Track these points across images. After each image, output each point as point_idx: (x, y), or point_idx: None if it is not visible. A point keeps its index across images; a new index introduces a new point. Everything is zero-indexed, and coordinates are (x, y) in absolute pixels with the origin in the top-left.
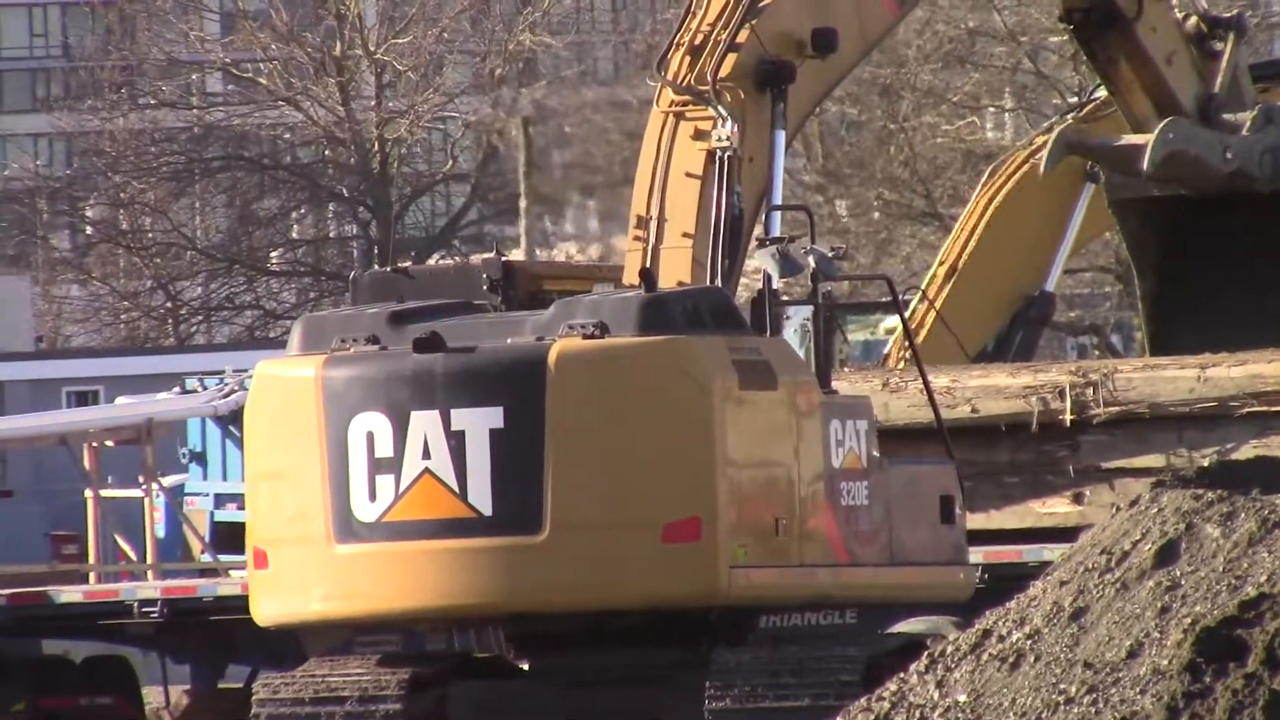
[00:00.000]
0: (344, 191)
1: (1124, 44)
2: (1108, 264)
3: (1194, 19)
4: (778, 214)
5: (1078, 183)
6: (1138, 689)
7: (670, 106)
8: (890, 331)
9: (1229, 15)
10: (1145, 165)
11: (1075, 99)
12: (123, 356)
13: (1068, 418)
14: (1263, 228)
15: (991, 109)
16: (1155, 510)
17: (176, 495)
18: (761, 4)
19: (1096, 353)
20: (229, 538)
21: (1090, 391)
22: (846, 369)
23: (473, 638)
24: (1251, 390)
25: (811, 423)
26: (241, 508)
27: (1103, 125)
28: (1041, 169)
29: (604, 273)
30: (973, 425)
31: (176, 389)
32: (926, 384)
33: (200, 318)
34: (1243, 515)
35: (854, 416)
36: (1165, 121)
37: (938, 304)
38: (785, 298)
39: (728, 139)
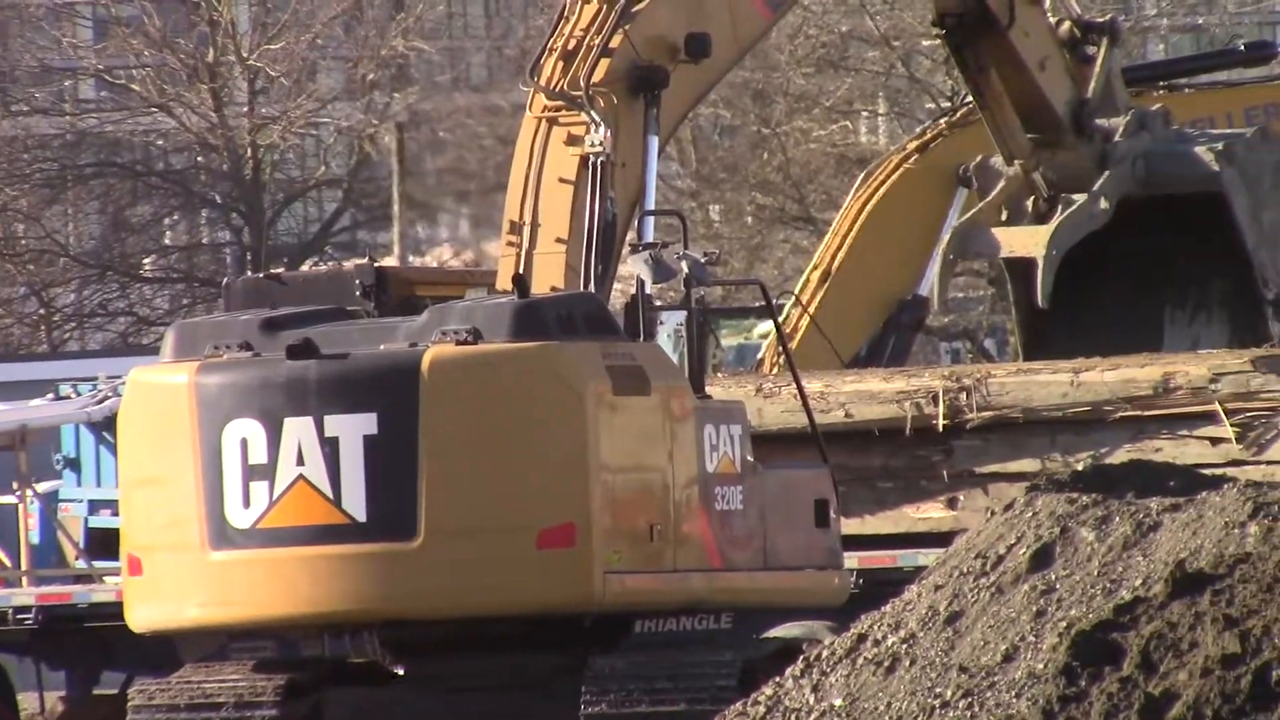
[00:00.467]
0: (217, 198)
1: (996, 50)
2: (981, 268)
3: (1067, 24)
4: (651, 219)
5: (950, 187)
6: (1013, 693)
7: (543, 112)
8: (764, 336)
9: (1102, 20)
10: (1041, 301)
11: (948, 104)
12: None
13: (941, 422)
14: (1136, 232)
15: (865, 113)
16: (1030, 514)
17: (51, 501)
18: (635, 9)
19: (970, 357)
20: (104, 544)
21: (964, 396)
22: (720, 374)
23: (348, 643)
24: (1125, 395)
25: (685, 428)
26: (116, 514)
27: (975, 133)
28: (938, 266)
29: (477, 278)
30: (847, 430)
31: (50, 395)
32: (800, 389)
33: (73, 324)
34: (1117, 519)
35: (728, 421)
36: (1049, 239)
37: (811, 309)
38: (658, 303)
39: (601, 144)
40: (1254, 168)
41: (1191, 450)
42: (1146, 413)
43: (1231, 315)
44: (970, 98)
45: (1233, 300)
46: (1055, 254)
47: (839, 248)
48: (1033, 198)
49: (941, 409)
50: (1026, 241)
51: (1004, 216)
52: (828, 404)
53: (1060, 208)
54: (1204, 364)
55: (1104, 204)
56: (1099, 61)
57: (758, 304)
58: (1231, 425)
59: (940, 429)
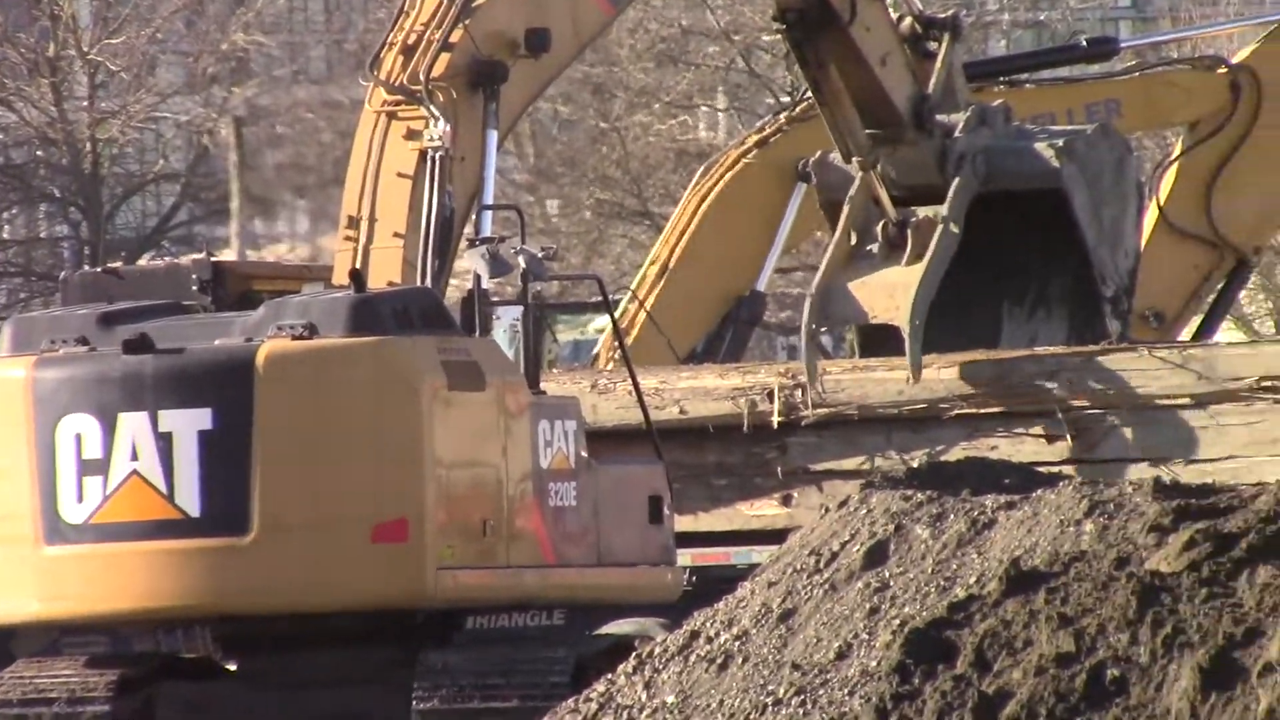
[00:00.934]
0: (56, 192)
1: (837, 45)
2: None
3: (909, 20)
4: (489, 214)
5: (789, 182)
6: (846, 690)
7: (382, 106)
8: (600, 332)
9: (944, 15)
10: (913, 378)
11: (788, 99)
12: None
13: (776, 419)
14: (974, 227)
15: (704, 108)
16: (864, 511)
17: None
18: (475, 4)
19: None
20: None
21: (799, 393)
22: (555, 370)
23: (180, 639)
24: (961, 392)
25: (520, 423)
26: None
27: (814, 129)
28: (804, 340)
29: (314, 273)
30: (681, 427)
31: None
32: (635, 385)
33: None
34: (952, 516)
35: (562, 417)
36: (911, 310)
37: (648, 304)
38: (495, 298)
39: (440, 139)
40: (1094, 164)
41: (1027, 448)
42: (982, 410)
43: (1070, 312)
44: (810, 93)
45: (1071, 297)
46: (919, 324)
47: (677, 243)
48: (882, 223)
49: (777, 406)
50: (888, 306)
51: (854, 241)
52: (663, 400)
53: (910, 236)
54: (1041, 361)
55: (955, 229)
56: (940, 57)
57: (594, 299)
58: (1068, 423)
59: (775, 426)
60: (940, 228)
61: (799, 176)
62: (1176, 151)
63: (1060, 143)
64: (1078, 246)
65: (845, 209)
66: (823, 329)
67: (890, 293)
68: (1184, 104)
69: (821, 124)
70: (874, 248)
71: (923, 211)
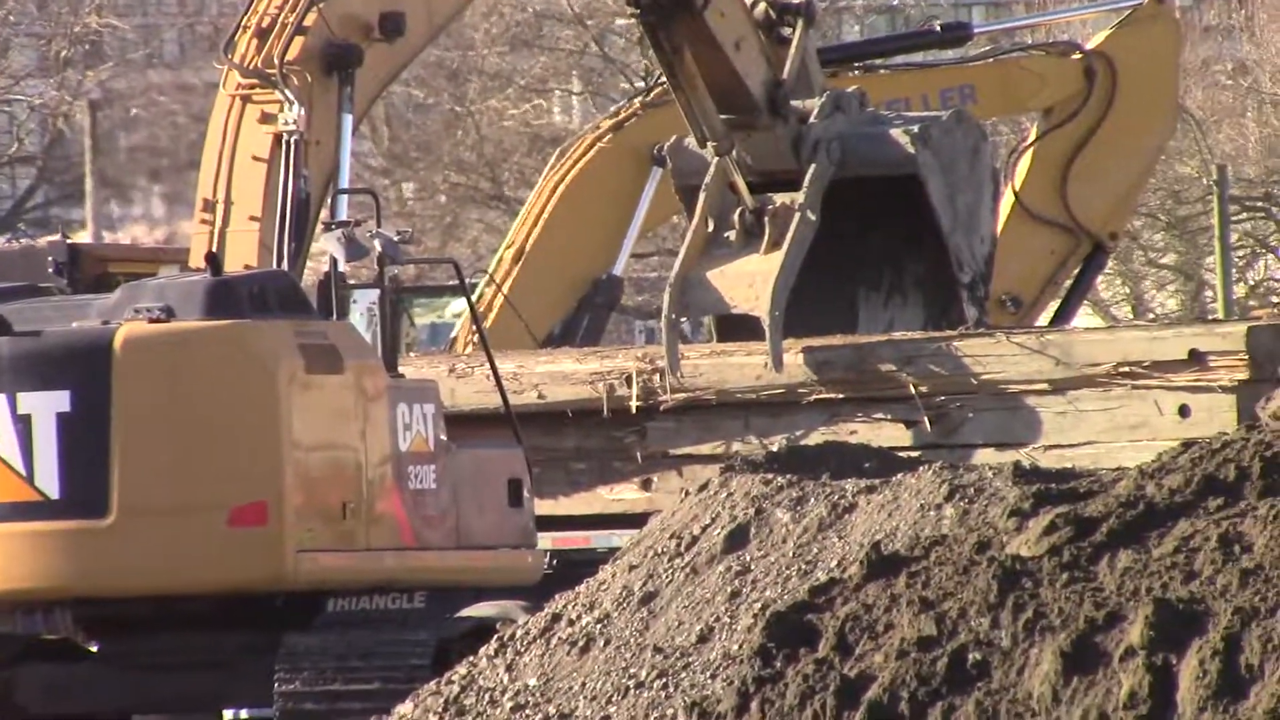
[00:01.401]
0: None
1: (691, 30)
2: (675, 247)
3: (763, 5)
4: (344, 198)
5: (644, 167)
6: (708, 673)
7: (237, 90)
8: (457, 316)
9: (798, 1)
10: (775, 367)
11: (642, 83)
12: None
13: (634, 404)
14: (832, 216)
15: (559, 92)
16: (725, 495)
17: None
18: None
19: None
20: None
21: (658, 378)
22: (413, 353)
23: (40, 621)
24: (819, 377)
25: (378, 407)
26: None
27: (669, 113)
28: (664, 330)
29: (169, 255)
30: (540, 411)
31: None
32: (494, 369)
33: None
34: (813, 500)
35: (421, 400)
36: (771, 299)
37: (505, 288)
38: (351, 281)
39: (294, 123)
40: (949, 151)
41: (886, 433)
42: (841, 395)
43: (926, 299)
44: (664, 78)
45: (927, 283)
46: (779, 315)
47: (532, 227)
48: (739, 210)
49: (635, 390)
50: (748, 295)
51: (711, 227)
52: (521, 385)
53: (767, 223)
54: (898, 347)
55: (812, 216)
56: (794, 43)
57: (451, 283)
58: (926, 409)
59: (634, 410)
60: (797, 215)
61: (654, 161)
62: (1031, 137)
63: (915, 129)
64: (933, 233)
65: (701, 196)
66: (682, 319)
67: (749, 282)
68: (1038, 89)
69: (676, 108)
70: (731, 235)
71: (779, 198)
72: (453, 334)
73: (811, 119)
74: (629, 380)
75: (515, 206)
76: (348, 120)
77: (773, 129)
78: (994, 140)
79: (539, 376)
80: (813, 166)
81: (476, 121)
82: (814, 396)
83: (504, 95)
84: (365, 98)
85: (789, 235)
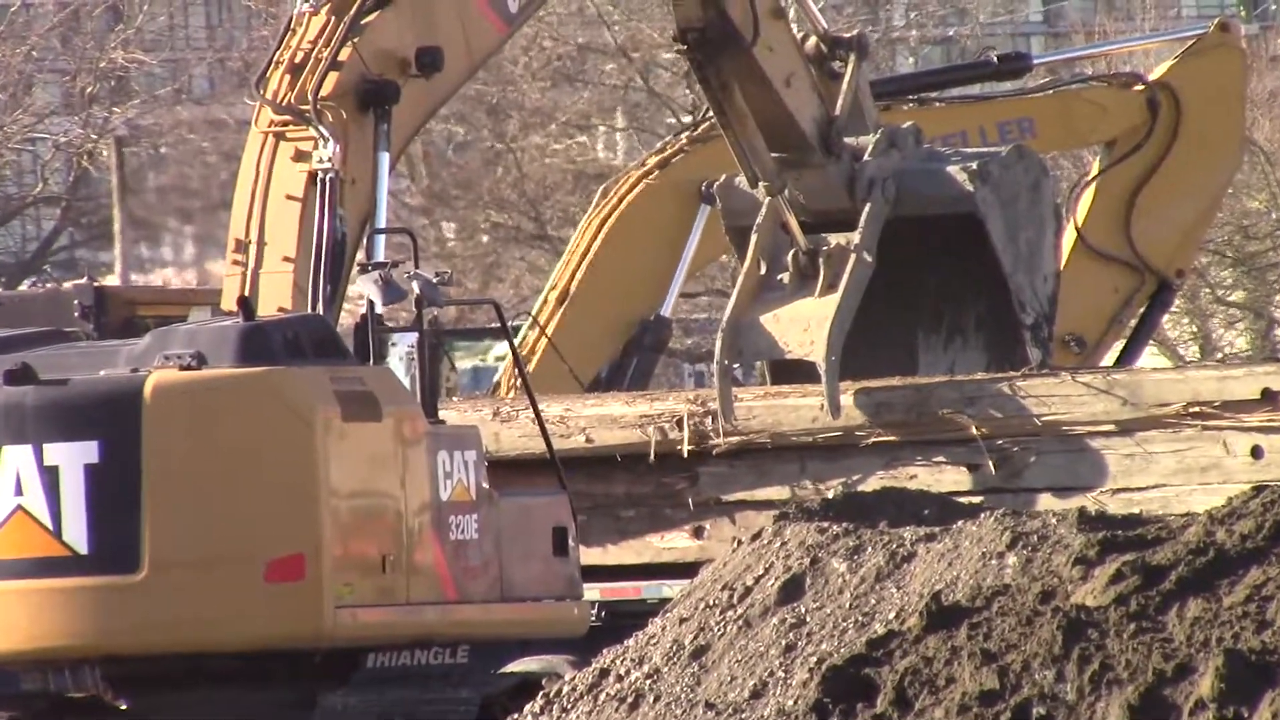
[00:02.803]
0: None
1: (740, 66)
2: (725, 287)
3: (814, 39)
4: (381, 238)
5: (693, 204)
6: None
7: (270, 126)
8: (500, 359)
9: (850, 35)
10: (832, 414)
11: (689, 118)
12: None
13: (685, 448)
14: (889, 255)
15: (603, 128)
16: (778, 544)
17: None
18: (364, 22)
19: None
20: None
21: (709, 421)
22: (455, 398)
23: (69, 678)
24: (877, 419)
25: (418, 454)
26: None
27: (717, 149)
28: (716, 376)
29: (199, 297)
30: (588, 456)
31: None
32: (537, 413)
33: None
34: (870, 549)
35: (462, 447)
36: (827, 344)
37: (549, 330)
38: (389, 325)
39: (329, 160)
40: (1010, 187)
41: (947, 478)
42: (899, 438)
43: (988, 340)
44: (712, 113)
45: (989, 324)
46: (835, 360)
47: (577, 267)
48: (792, 252)
49: (686, 434)
50: (803, 339)
51: (763, 270)
52: (568, 429)
53: (822, 265)
54: (960, 388)
55: (868, 257)
56: (847, 78)
57: (493, 325)
58: (989, 452)
59: (685, 455)
60: (853, 257)
61: (702, 199)
62: (1094, 171)
63: (974, 165)
64: (994, 272)
65: (753, 238)
66: (735, 364)
67: (804, 326)
68: (1100, 122)
69: (725, 144)
70: (784, 277)
71: (834, 239)
72: (495, 378)
73: (866, 156)
74: (679, 423)
75: (559, 246)
76: (384, 158)
77: (826, 167)
78: (1055, 175)
79: (586, 420)
80: (868, 206)
81: (518, 158)
82: (872, 439)
83: (546, 131)
84: (402, 135)
85: (844, 277)
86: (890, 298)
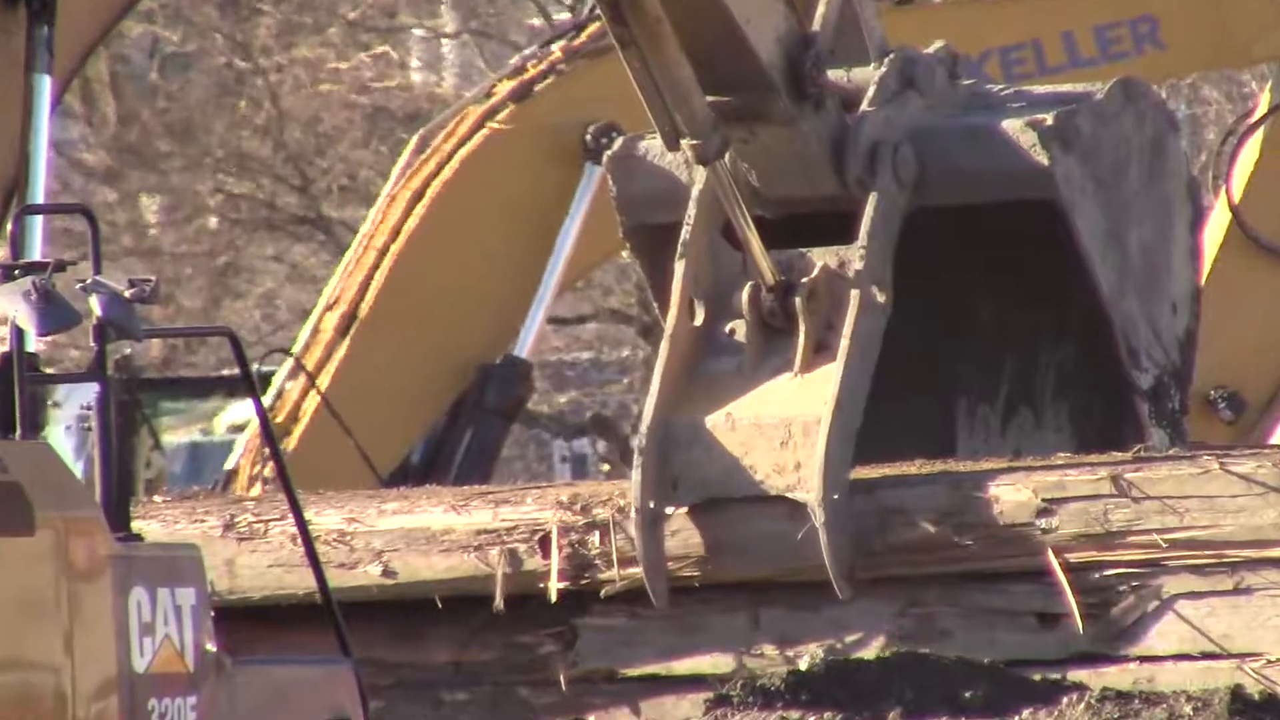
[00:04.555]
0: None
1: None
2: (625, 304)
3: None
4: (38, 220)
5: (569, 163)
6: None
7: None
8: (237, 429)
9: None
10: (841, 594)
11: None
12: None
13: (554, 586)
14: (911, 275)
15: (418, 32)
16: None
17: None
18: None
19: (606, 466)
20: None
21: (596, 539)
22: (160, 497)
23: None
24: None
25: (97, 593)
26: None
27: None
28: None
29: None
30: (389, 600)
31: None
32: (301, 526)
33: None
34: None
35: (173, 582)
36: (823, 482)
37: (324, 381)
38: (50, 370)
39: None
40: (1111, 151)
41: (1005, 635)
42: (922, 567)
43: (1074, 412)
44: (603, 18)
45: (1076, 386)
46: (841, 500)
47: (372, 271)
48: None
49: (556, 562)
50: (782, 462)
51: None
52: (354, 552)
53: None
54: (1029, 481)
55: (879, 294)
56: None
57: (226, 372)
58: (1077, 589)
59: (553, 598)
60: (855, 295)
61: (586, 154)
62: (1260, 109)
63: (1048, 118)
64: (1085, 298)
65: (679, 261)
66: (668, 508)
67: (782, 437)
68: (1272, 26)
69: (622, 63)
70: (736, 329)
71: (817, 259)
72: (229, 463)
73: (865, 104)
74: (543, 544)
75: (341, 236)
76: (43, 83)
77: (797, 123)
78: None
79: (385, 537)
80: (872, 197)
81: (272, 86)
82: (874, 570)
83: (322, 37)
84: (76, 44)
85: (845, 332)
86: (912, 344)
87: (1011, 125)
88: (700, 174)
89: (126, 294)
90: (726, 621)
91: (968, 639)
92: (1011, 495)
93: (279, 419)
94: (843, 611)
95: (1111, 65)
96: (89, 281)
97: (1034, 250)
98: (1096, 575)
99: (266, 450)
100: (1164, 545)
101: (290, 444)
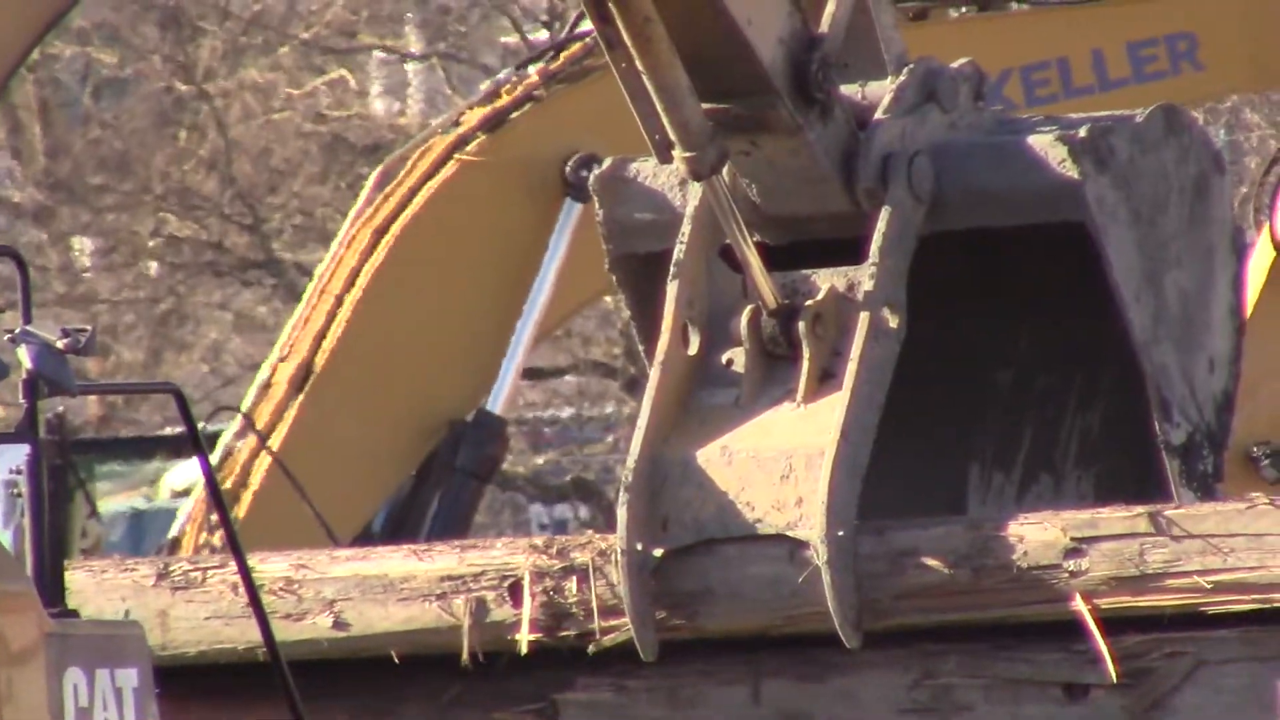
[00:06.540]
0: None
1: None
2: (609, 355)
3: None
4: None
5: (547, 197)
6: None
7: None
8: (182, 494)
9: None
10: (848, 642)
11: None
12: None
13: (525, 639)
14: (924, 308)
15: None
16: None
17: None
18: None
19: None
20: None
21: (573, 587)
22: (98, 564)
23: None
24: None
25: (28, 675)
26: None
27: (593, 93)
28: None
29: None
30: (340, 658)
31: None
32: (248, 582)
33: None
34: None
35: (113, 662)
36: (826, 519)
37: (276, 441)
38: None
39: None
40: (1149, 179)
41: (1033, 708)
42: (937, 615)
43: (1102, 475)
44: (591, 30)
45: (1103, 444)
46: (847, 536)
47: (330, 320)
48: (748, 311)
49: (527, 612)
50: (780, 499)
51: (693, 346)
52: (301, 603)
53: (804, 335)
54: (1057, 519)
55: (892, 320)
56: None
57: (169, 431)
58: (1112, 659)
59: (523, 650)
60: (864, 319)
61: (567, 188)
62: None
63: (1080, 133)
64: (1115, 342)
65: (672, 284)
66: (657, 550)
67: (783, 471)
68: None
69: (611, 87)
70: (734, 359)
71: (825, 280)
72: (173, 530)
73: (879, 114)
74: (514, 591)
75: (295, 280)
76: None
77: (800, 131)
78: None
79: (335, 585)
80: (885, 210)
81: (218, 112)
82: (884, 621)
83: (271, 61)
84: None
85: (852, 362)
86: (920, 393)
87: (1040, 140)
88: (695, 191)
89: (59, 345)
90: (724, 694)
91: (989, 713)
92: (1037, 534)
93: (227, 483)
94: (852, 682)
95: (1143, 86)
96: (17, 331)
97: (1059, 283)
98: (1130, 642)
99: (214, 517)
100: (1207, 587)
101: (240, 510)
